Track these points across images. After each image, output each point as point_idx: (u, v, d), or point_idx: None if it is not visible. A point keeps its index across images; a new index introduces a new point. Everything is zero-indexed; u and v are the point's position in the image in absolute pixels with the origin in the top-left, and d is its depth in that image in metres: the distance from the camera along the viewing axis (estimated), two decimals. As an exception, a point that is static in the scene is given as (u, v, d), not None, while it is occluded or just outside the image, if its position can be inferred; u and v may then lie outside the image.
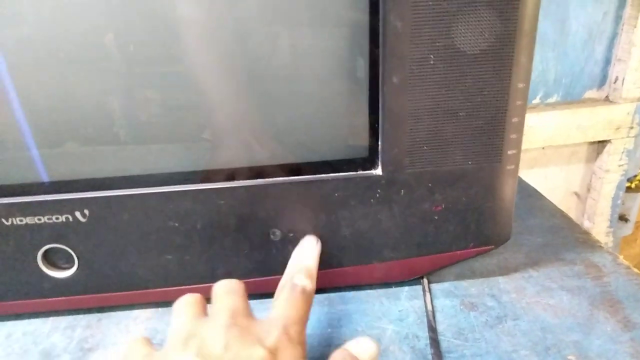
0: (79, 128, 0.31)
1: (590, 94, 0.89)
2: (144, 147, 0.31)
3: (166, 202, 0.31)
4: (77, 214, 0.31)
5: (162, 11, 0.29)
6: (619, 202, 0.95)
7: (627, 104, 0.87)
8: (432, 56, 0.29)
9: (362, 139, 0.32)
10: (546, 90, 0.87)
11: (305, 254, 0.32)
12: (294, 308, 0.27)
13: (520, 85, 0.30)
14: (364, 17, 0.29)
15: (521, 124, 0.32)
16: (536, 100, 0.87)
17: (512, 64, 0.30)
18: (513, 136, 0.32)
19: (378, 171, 0.32)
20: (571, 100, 0.88)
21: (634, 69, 0.84)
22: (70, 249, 0.33)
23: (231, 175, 0.32)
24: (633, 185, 1.04)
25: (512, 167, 0.33)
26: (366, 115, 0.31)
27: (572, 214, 0.98)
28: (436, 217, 0.33)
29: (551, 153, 0.91)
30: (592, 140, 0.89)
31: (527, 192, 0.49)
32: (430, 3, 0.28)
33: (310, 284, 0.29)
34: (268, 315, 0.27)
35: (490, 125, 0.31)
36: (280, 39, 0.31)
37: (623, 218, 1.04)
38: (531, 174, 0.93)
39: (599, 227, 0.97)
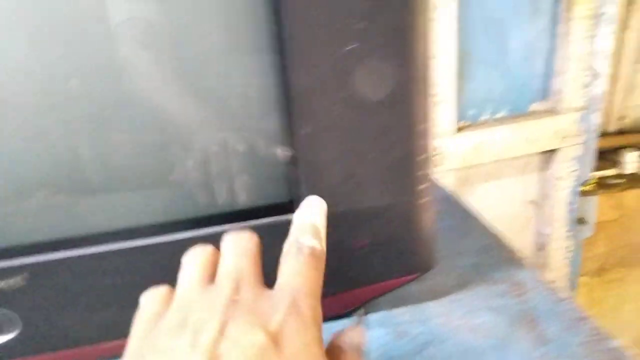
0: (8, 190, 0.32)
1: (536, 106, 0.93)
2: (66, 204, 0.33)
3: (100, 261, 0.33)
4: (18, 278, 0.33)
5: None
6: (574, 206, 0.99)
7: (571, 114, 0.91)
8: (337, 106, 0.32)
9: (282, 186, 0.34)
10: (494, 106, 0.90)
11: (310, 212, 0.28)
12: (303, 276, 0.23)
13: (421, 127, 0.33)
14: (274, 79, 0.31)
15: (427, 160, 0.34)
16: (485, 117, 0.91)
17: (410, 108, 0.32)
18: (421, 172, 0.34)
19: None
20: (518, 113, 0.92)
21: (572, 81, 0.89)
22: (13, 311, 0.34)
23: (156, 229, 0.33)
24: (588, 188, 1.08)
25: (426, 199, 0.35)
26: (284, 164, 0.34)
27: (531, 222, 1.02)
28: (361, 253, 0.36)
29: (504, 165, 0.95)
30: (542, 151, 0.93)
31: (462, 213, 0.52)
32: (330, 63, 0.30)
33: (319, 245, 0.25)
34: (276, 285, 0.23)
35: (398, 165, 0.34)
36: (199, 103, 0.33)
37: (582, 221, 1.08)
38: (487, 187, 0.96)
39: (559, 233, 1.00)
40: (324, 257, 0.25)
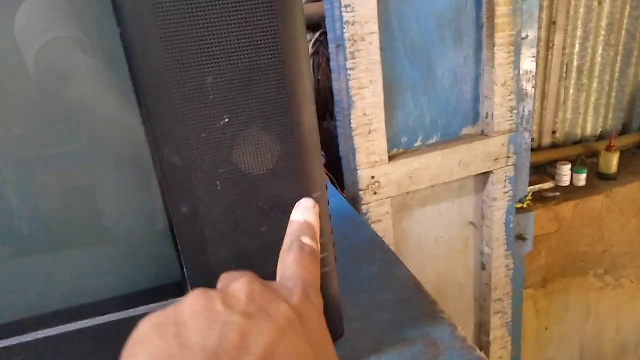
0: None
1: (467, 130, 0.94)
2: None
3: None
4: None
5: None
6: (511, 225, 1.01)
7: (500, 137, 0.93)
8: (218, 182, 0.29)
9: (171, 269, 0.31)
10: (425, 133, 0.91)
11: (307, 213, 0.29)
12: (307, 270, 0.25)
13: (316, 195, 0.31)
14: (147, 155, 0.28)
15: (327, 230, 0.33)
16: (418, 143, 0.91)
17: (300, 177, 0.30)
18: (321, 240, 0.32)
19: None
20: (450, 139, 0.93)
21: (499, 105, 0.90)
22: None
23: (44, 321, 0.30)
24: (525, 205, 1.11)
25: (327, 269, 0.33)
26: (171, 245, 0.31)
27: (471, 242, 1.03)
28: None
29: (441, 190, 0.95)
30: (475, 174, 0.94)
31: (385, 259, 0.50)
32: (204, 136, 0.28)
33: (316, 246, 0.27)
34: (281, 275, 0.25)
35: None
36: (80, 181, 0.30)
37: (521, 237, 1.10)
38: (426, 212, 0.96)
39: (498, 252, 1.02)
40: (319, 257, 0.27)
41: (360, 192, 0.86)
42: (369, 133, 0.84)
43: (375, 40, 0.78)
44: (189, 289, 0.31)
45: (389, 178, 0.87)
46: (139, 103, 0.27)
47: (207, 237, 0.30)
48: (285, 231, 0.31)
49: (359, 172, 0.85)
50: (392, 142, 0.88)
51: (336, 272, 0.34)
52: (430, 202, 0.96)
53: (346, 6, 0.76)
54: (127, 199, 0.31)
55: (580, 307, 1.37)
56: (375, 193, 0.87)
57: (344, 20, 0.77)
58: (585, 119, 1.43)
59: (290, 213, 0.31)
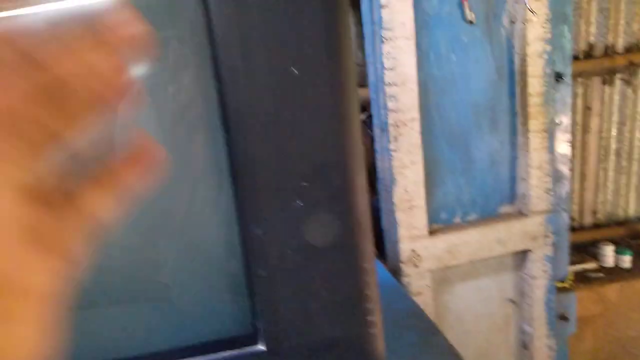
0: None
1: (504, 209, 0.98)
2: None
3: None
4: None
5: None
6: (552, 304, 1.01)
7: (537, 216, 0.97)
8: (289, 251, 0.36)
9: (246, 322, 0.38)
10: (464, 210, 0.96)
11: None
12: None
13: (366, 265, 0.38)
14: (232, 228, 0.36)
15: (374, 295, 0.38)
16: (456, 220, 0.96)
17: (355, 251, 0.37)
18: (369, 305, 0.38)
19: (262, 346, 0.37)
20: (488, 216, 0.97)
21: (535, 187, 0.95)
22: None
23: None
24: (567, 285, 1.11)
25: (375, 330, 0.39)
26: (247, 301, 0.37)
27: (511, 320, 1.03)
28: (318, 380, 0.38)
29: (480, 266, 0.98)
30: (513, 251, 0.97)
31: (425, 328, 0.55)
32: (281, 214, 0.35)
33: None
34: None
35: (348, 300, 0.38)
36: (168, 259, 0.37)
37: (563, 317, 1.09)
38: (466, 287, 0.99)
39: (540, 331, 1.01)
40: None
41: (401, 264, 0.90)
42: (410, 209, 0.90)
43: (416, 125, 0.86)
44: (262, 339, 0.37)
45: (428, 251, 0.92)
46: (234, 188, 0.35)
47: (278, 297, 0.37)
48: (340, 296, 0.37)
49: (400, 244, 0.90)
50: (431, 218, 0.93)
51: (382, 335, 0.40)
52: (469, 278, 0.99)
53: (390, 96, 0.86)
54: (212, 264, 0.38)
55: (633, 396, 1.30)
56: (415, 265, 0.91)
57: (388, 108, 0.86)
58: (627, 200, 1.44)
59: (346, 280, 0.37)
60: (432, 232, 0.93)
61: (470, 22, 0.89)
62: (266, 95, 0.33)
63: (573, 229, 1.24)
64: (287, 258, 0.36)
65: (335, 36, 0.33)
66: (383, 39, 0.84)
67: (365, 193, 0.37)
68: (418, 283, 0.92)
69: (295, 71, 0.33)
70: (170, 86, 0.34)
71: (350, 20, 0.34)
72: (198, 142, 0.36)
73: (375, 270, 0.38)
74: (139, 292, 0.37)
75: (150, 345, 0.37)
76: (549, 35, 0.91)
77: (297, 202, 0.35)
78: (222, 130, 0.34)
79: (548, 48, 0.92)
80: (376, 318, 0.39)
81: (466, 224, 0.95)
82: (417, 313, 0.59)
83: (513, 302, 1.03)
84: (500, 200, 0.98)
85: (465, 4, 0.88)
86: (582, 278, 1.29)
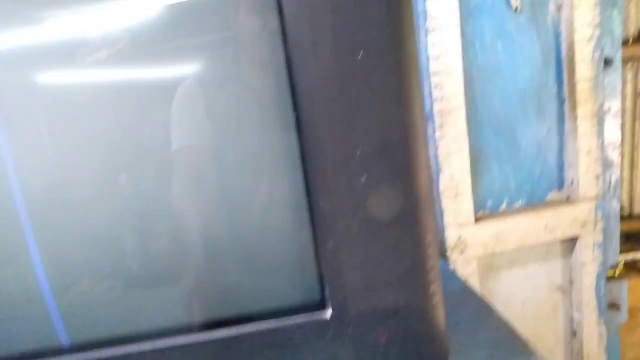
0: (94, 282, 0.40)
1: (553, 196, 0.98)
2: (132, 306, 0.40)
3: (160, 356, 0.40)
4: None
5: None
6: (602, 292, 1.00)
7: (587, 202, 0.96)
8: (355, 224, 0.39)
9: (314, 289, 0.41)
10: (510, 197, 0.96)
11: None
12: None
13: (428, 238, 0.40)
14: (302, 202, 0.39)
15: (435, 267, 0.41)
16: (503, 207, 0.96)
17: (418, 224, 0.39)
18: (431, 277, 0.41)
19: (328, 313, 0.40)
20: (536, 203, 0.97)
21: (584, 173, 0.94)
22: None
23: (208, 326, 0.40)
24: (617, 274, 1.09)
25: (436, 300, 0.41)
26: (315, 271, 0.41)
27: (560, 308, 1.03)
28: (381, 346, 0.41)
29: (527, 253, 0.98)
30: (562, 238, 0.97)
31: (478, 305, 0.56)
32: (349, 188, 0.38)
33: None
34: None
35: (410, 271, 0.40)
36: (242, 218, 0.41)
37: (614, 306, 1.08)
38: (512, 275, 0.99)
39: (589, 318, 1.01)
40: None
41: (448, 251, 0.92)
42: (456, 196, 0.91)
43: (462, 114, 0.87)
44: (329, 306, 0.40)
45: (475, 239, 0.93)
46: (304, 165, 0.38)
47: (345, 267, 0.39)
48: (403, 267, 0.40)
49: (446, 232, 0.91)
50: (478, 205, 0.94)
51: (443, 306, 0.42)
52: (517, 265, 0.99)
53: (436, 85, 0.87)
54: (285, 238, 0.42)
55: (689, 390, 1.26)
56: (462, 252, 0.92)
57: (433, 96, 0.88)
58: (681, 188, 1.39)
59: (409, 251, 0.40)
60: (478, 220, 0.93)
61: (516, 10, 0.90)
62: (334, 75, 0.36)
63: (623, 218, 1.22)
64: (354, 230, 0.39)
65: (399, 20, 0.36)
66: (428, 29, 0.86)
67: (427, 169, 0.39)
68: (464, 270, 0.93)
69: (362, 53, 0.36)
70: (245, 65, 0.38)
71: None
72: (270, 120, 0.39)
73: (437, 243, 0.41)
74: (219, 262, 0.41)
75: (228, 309, 0.41)
76: (597, 20, 0.90)
77: (363, 177, 0.38)
78: (292, 109, 0.37)
79: (597, 33, 0.91)
80: (437, 289, 0.41)
81: (513, 211, 0.96)
82: (471, 293, 0.60)
83: (562, 290, 1.02)
84: (548, 187, 0.97)
85: (511, -9, 0.88)
86: (632, 267, 1.26)
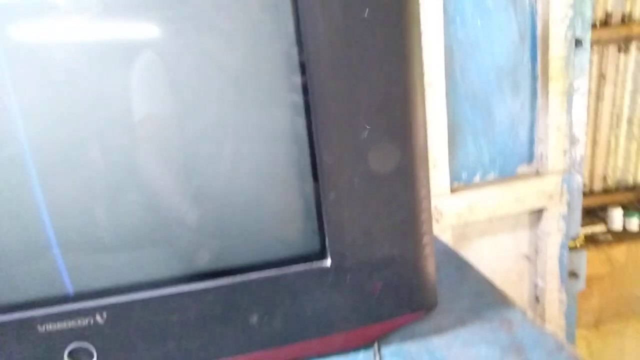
0: (97, 237, 0.41)
1: (522, 169, 1.03)
2: (135, 255, 0.41)
3: (163, 303, 0.41)
4: (97, 317, 0.41)
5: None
6: (565, 261, 1.07)
7: (554, 176, 1.01)
8: (356, 177, 0.41)
9: (315, 240, 0.43)
10: (483, 170, 1.01)
11: None
12: None
13: (423, 191, 0.42)
14: (306, 157, 0.41)
15: (429, 217, 0.43)
16: (476, 179, 1.01)
17: (413, 178, 0.42)
18: (424, 228, 0.43)
19: (327, 262, 0.42)
20: (507, 176, 1.02)
21: (553, 147, 0.99)
22: (92, 345, 0.41)
23: (211, 275, 0.42)
24: (578, 245, 1.16)
25: (428, 250, 0.44)
26: (316, 221, 0.42)
27: (525, 275, 1.09)
28: (376, 294, 0.43)
29: (497, 223, 1.03)
30: (530, 209, 1.03)
31: (459, 264, 0.60)
32: (349, 146, 0.40)
33: None
34: None
35: (405, 222, 0.42)
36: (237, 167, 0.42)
37: (574, 274, 1.15)
38: (483, 243, 1.04)
39: (552, 285, 1.07)
40: None
41: (424, 220, 0.96)
42: (433, 167, 0.94)
43: (441, 87, 0.90)
44: (329, 256, 0.42)
45: (449, 208, 0.97)
46: (309, 118, 0.40)
47: (345, 218, 0.41)
48: (399, 219, 0.42)
49: (423, 201, 0.95)
50: (453, 177, 0.98)
51: (434, 256, 0.45)
52: (487, 234, 1.04)
53: (418, 58, 0.89)
54: (287, 189, 0.43)
55: (636, 351, 1.37)
56: (437, 221, 0.96)
57: (415, 70, 0.90)
58: (637, 166, 1.48)
59: (404, 204, 0.42)
60: (453, 191, 0.98)
61: (496, -13, 0.92)
62: (341, 30, 0.37)
63: (584, 194, 1.29)
64: (354, 183, 0.41)
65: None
66: (412, 2, 0.87)
67: (424, 127, 0.41)
68: (439, 238, 0.98)
69: (367, 10, 0.37)
70: (254, 24, 0.39)
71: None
72: (276, 74, 0.40)
73: (429, 197, 0.43)
74: (221, 209, 0.42)
75: (229, 258, 0.43)
76: (571, 1, 0.94)
77: (365, 132, 0.40)
78: (298, 65, 0.39)
79: (570, 13, 0.95)
80: (429, 240, 0.44)
81: (486, 183, 1.00)
82: (451, 252, 0.64)
83: (528, 258, 1.08)
84: (519, 161, 1.02)
85: (491, -31, 0.91)
86: (591, 240, 1.35)
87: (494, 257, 1.06)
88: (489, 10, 0.93)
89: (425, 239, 0.44)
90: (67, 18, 0.38)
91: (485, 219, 1.00)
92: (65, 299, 0.40)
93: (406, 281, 0.44)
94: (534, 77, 0.98)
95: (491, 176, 1.01)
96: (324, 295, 0.43)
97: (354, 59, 0.38)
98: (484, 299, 0.52)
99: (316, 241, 0.43)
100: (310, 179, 0.41)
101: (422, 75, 0.40)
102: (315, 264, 0.42)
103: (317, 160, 0.40)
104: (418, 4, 0.39)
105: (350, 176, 0.41)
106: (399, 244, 0.43)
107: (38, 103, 0.38)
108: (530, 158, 1.03)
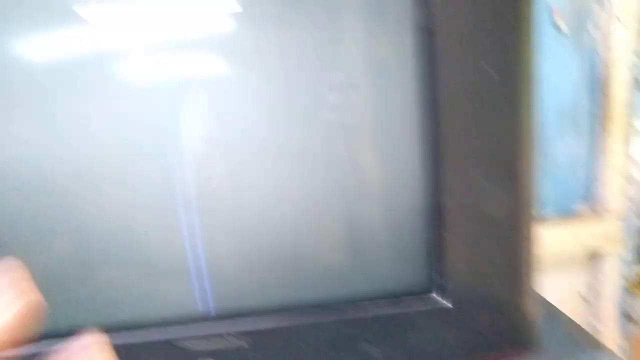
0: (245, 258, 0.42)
1: (581, 208, 1.03)
2: (279, 280, 0.43)
3: (299, 331, 0.42)
4: (236, 340, 0.41)
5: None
6: (622, 304, 1.05)
7: (613, 217, 1.00)
8: (472, 221, 0.42)
9: (433, 278, 0.44)
10: (541, 208, 1.00)
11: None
12: None
13: (532, 240, 0.43)
14: (429, 200, 0.42)
15: (535, 265, 0.44)
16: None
17: (525, 230, 0.43)
18: (531, 270, 0.44)
19: (444, 300, 0.43)
20: (564, 214, 1.01)
21: (612, 188, 0.99)
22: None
23: (344, 305, 0.43)
24: (634, 287, 1.14)
25: (533, 296, 0.44)
26: (431, 260, 0.43)
27: (581, 317, 1.07)
28: (483, 329, 0.44)
29: (553, 261, 1.02)
30: (588, 250, 1.01)
31: (544, 303, 0.60)
32: (472, 191, 0.41)
33: None
34: None
35: (516, 268, 0.43)
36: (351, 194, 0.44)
37: (631, 319, 1.12)
38: (538, 281, 1.03)
39: (608, 328, 1.05)
40: None
41: (482, 256, 0.95)
42: (492, 204, 0.95)
43: (506, 125, 0.91)
44: (445, 293, 0.43)
45: (507, 246, 0.96)
46: (429, 163, 0.41)
47: (463, 260, 0.43)
48: (509, 262, 0.43)
49: (481, 237, 0.95)
50: (511, 214, 0.98)
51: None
52: (543, 271, 1.03)
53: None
54: (414, 232, 0.44)
55: (690, 402, 1.31)
56: (495, 258, 0.96)
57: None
58: (687, 209, 1.45)
59: (515, 250, 0.43)
60: (510, 227, 0.97)
61: (559, 29, 0.94)
62: (471, 90, 0.39)
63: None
64: (470, 226, 0.42)
65: (526, 43, 0.39)
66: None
67: (534, 180, 0.43)
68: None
69: (494, 75, 0.39)
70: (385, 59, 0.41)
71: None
72: (406, 123, 0.42)
73: (535, 241, 0.44)
74: (358, 246, 0.43)
75: (344, 292, 0.44)
76: (633, 44, 0.95)
77: (482, 180, 0.41)
78: (430, 117, 0.41)
79: (631, 55, 0.96)
80: (534, 285, 0.44)
81: (544, 221, 1.00)
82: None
83: (584, 299, 1.06)
84: (576, 200, 1.02)
85: (555, 12, 0.93)
86: (643, 282, 1.31)
87: (550, 296, 1.04)
88: (553, 50, 0.94)
89: (531, 281, 0.44)
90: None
91: (542, 257, 0.99)
92: (205, 318, 0.42)
93: (513, 323, 0.44)
94: (594, 117, 0.99)
95: (549, 215, 1.01)
96: (436, 330, 0.43)
97: (481, 114, 0.40)
98: (574, 340, 0.52)
99: (429, 277, 0.44)
100: (433, 223, 0.43)
101: (534, 133, 0.42)
102: (432, 301, 0.43)
103: (441, 206, 0.42)
104: (536, 66, 0.41)
105: (466, 219, 0.42)
106: (509, 288, 0.44)
107: (199, 132, 0.40)
108: (588, 198, 1.02)
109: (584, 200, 1.02)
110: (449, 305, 0.42)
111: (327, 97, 0.41)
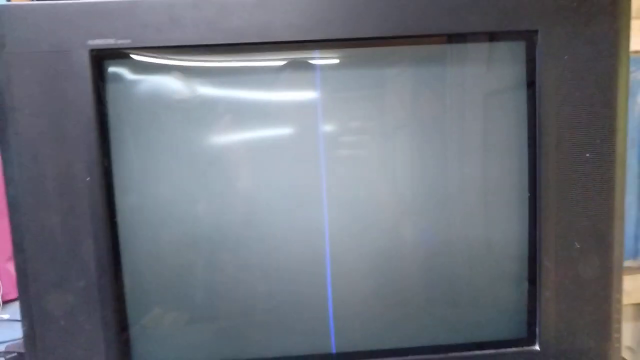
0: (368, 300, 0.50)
1: (628, 263, 1.09)
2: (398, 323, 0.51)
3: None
4: None
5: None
6: (668, 356, 1.09)
7: (659, 272, 1.06)
8: (566, 279, 0.50)
9: (527, 328, 0.51)
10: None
11: None
12: None
13: (618, 296, 0.51)
14: (525, 260, 0.51)
15: (621, 318, 0.52)
16: (585, 269, 1.07)
17: (613, 287, 0.51)
18: (617, 326, 0.51)
19: (536, 347, 0.51)
20: (613, 268, 1.08)
21: (660, 245, 1.05)
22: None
23: (445, 348, 0.51)
24: (677, 340, 1.18)
25: (619, 345, 0.52)
26: (530, 314, 0.51)
27: (629, 367, 1.11)
28: (573, 379, 0.51)
29: (603, 313, 1.08)
30: (635, 302, 1.07)
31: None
32: (565, 252, 0.49)
33: None
34: None
35: (603, 319, 0.51)
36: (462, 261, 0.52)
37: (675, 370, 1.16)
38: (589, 331, 1.08)
39: (655, 380, 1.09)
40: None
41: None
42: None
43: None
44: (537, 342, 0.51)
45: (559, 295, 1.03)
46: (534, 229, 0.50)
47: (554, 312, 0.50)
48: (597, 317, 0.50)
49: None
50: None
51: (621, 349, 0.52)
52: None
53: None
54: (513, 287, 0.53)
55: None
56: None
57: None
58: None
59: (602, 304, 0.50)
60: (562, 278, 1.04)
61: None
62: (568, 170, 0.48)
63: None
64: (564, 284, 0.50)
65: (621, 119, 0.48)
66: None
67: (622, 243, 0.51)
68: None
69: (588, 154, 0.48)
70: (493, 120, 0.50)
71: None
72: (514, 194, 0.51)
73: (621, 300, 0.52)
74: (468, 300, 0.52)
75: (464, 336, 0.52)
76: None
77: (576, 244, 0.49)
78: (533, 191, 0.49)
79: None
80: (619, 336, 0.52)
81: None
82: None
83: (631, 350, 1.11)
84: (625, 255, 1.08)
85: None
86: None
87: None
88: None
89: (617, 335, 0.52)
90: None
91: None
92: (328, 357, 0.50)
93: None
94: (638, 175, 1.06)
95: (598, 267, 1.07)
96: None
97: (574, 190, 0.49)
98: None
99: (526, 328, 0.51)
100: (530, 278, 0.51)
101: (622, 203, 0.50)
102: (526, 349, 0.51)
103: (537, 264, 0.50)
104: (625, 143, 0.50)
105: (562, 278, 0.50)
106: (596, 337, 0.51)
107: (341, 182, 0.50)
108: (635, 253, 1.09)
109: (632, 256, 1.08)
110: (541, 352, 0.49)
111: (454, 165, 0.51)
